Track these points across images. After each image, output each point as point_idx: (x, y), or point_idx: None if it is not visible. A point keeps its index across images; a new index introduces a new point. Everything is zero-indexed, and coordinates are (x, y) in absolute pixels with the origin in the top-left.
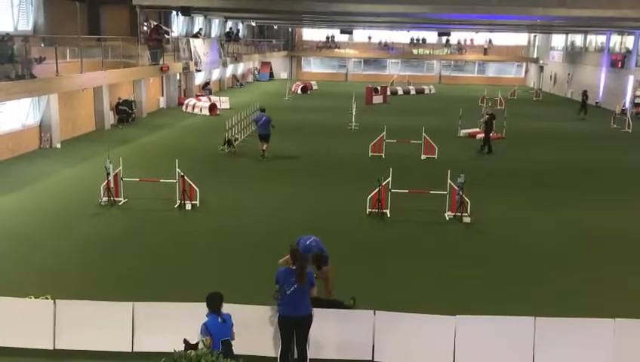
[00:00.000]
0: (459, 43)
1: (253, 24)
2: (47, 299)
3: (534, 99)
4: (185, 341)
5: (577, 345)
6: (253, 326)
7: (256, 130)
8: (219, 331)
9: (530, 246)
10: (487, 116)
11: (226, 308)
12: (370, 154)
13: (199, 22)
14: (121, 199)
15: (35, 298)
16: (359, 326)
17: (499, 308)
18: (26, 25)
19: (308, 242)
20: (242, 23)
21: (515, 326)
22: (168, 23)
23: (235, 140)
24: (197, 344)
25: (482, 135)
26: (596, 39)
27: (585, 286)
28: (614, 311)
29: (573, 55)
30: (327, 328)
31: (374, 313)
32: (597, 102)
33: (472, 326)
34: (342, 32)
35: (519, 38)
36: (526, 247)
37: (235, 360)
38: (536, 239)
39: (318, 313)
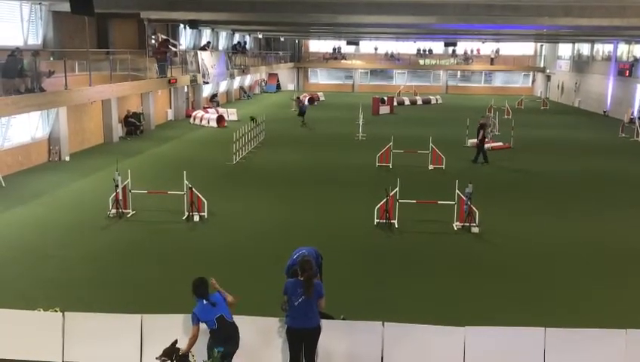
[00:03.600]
0: (465, 53)
1: (260, 36)
2: (56, 311)
3: (542, 108)
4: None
5: (588, 357)
6: (262, 337)
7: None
8: (208, 313)
9: (540, 257)
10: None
11: (235, 319)
12: (377, 164)
13: (207, 34)
14: (130, 211)
15: (44, 310)
16: (368, 338)
17: (508, 318)
18: (35, 39)
19: (300, 252)
20: (249, 35)
21: (525, 337)
22: (176, 36)
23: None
24: (174, 343)
25: (490, 144)
26: (603, 48)
27: (596, 297)
28: (626, 322)
29: (581, 64)
30: (336, 339)
31: (383, 324)
32: (605, 112)
33: (481, 337)
34: (348, 43)
35: (526, 48)
36: (535, 257)
37: (236, 332)
38: (545, 249)
39: (326, 324)
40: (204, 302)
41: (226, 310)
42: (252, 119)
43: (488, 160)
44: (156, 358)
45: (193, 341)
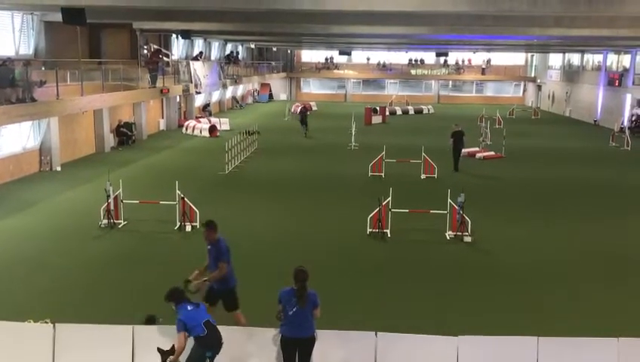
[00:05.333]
0: (457, 63)
1: (253, 46)
2: (47, 322)
3: (533, 117)
4: (158, 349)
5: None
6: (256, 347)
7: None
8: (194, 317)
9: (533, 265)
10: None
11: (227, 330)
12: (370, 173)
13: (199, 44)
14: (121, 221)
15: (35, 322)
16: (361, 348)
17: (501, 327)
18: (27, 49)
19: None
20: (242, 45)
21: (519, 346)
22: (168, 46)
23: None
24: (172, 347)
25: (482, 154)
26: (593, 58)
27: (587, 305)
28: (618, 331)
29: (571, 74)
30: (330, 349)
31: (376, 334)
32: (595, 121)
33: (474, 346)
34: (340, 53)
35: (517, 58)
36: (528, 266)
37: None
38: (538, 257)
39: (321, 334)
40: (189, 307)
41: (206, 312)
42: (256, 133)
43: (456, 168)
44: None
45: (181, 351)
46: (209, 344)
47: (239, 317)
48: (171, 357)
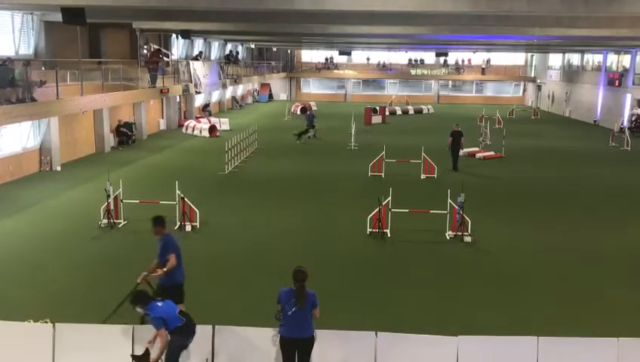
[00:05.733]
0: (457, 63)
1: (253, 46)
2: (47, 322)
3: (533, 118)
4: (133, 357)
5: None
6: (255, 347)
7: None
8: (169, 311)
9: (533, 265)
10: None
11: (226, 330)
12: (369, 173)
13: (199, 44)
14: (121, 221)
15: (35, 321)
16: (361, 348)
17: (501, 327)
18: (27, 49)
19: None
20: (242, 45)
21: (518, 346)
22: (168, 46)
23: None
24: (146, 351)
25: (482, 153)
26: (593, 58)
27: (587, 305)
28: (618, 331)
29: (571, 74)
30: (329, 350)
31: (376, 334)
32: (595, 121)
33: (474, 346)
34: (340, 53)
35: (517, 58)
36: (528, 266)
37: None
38: (538, 257)
39: (320, 334)
40: (159, 303)
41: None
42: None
43: (455, 167)
44: None
45: (165, 347)
46: (189, 331)
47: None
48: (153, 356)
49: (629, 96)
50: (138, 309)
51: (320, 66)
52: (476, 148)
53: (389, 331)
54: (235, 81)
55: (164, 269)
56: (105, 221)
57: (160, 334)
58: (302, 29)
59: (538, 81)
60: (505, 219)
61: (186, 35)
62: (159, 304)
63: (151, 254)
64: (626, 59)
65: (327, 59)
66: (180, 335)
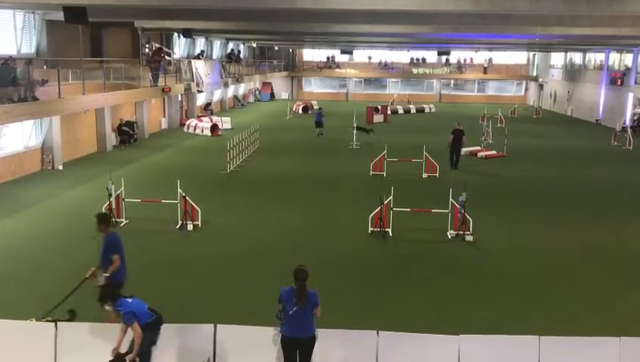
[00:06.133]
0: (458, 62)
1: (254, 45)
2: (49, 321)
3: (534, 117)
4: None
5: None
6: (256, 346)
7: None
8: (139, 306)
9: (534, 265)
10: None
11: (228, 329)
12: (371, 172)
13: (201, 43)
14: (123, 220)
15: (37, 321)
16: (363, 347)
17: (503, 327)
18: (29, 48)
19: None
20: (243, 44)
21: (520, 345)
22: (170, 45)
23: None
24: (117, 357)
25: (484, 153)
26: (595, 57)
27: (589, 305)
28: (619, 330)
29: (573, 73)
30: (331, 349)
31: (378, 333)
32: (597, 120)
33: (476, 345)
34: (342, 52)
35: (518, 57)
36: (530, 265)
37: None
38: (540, 256)
39: (321, 333)
40: (129, 299)
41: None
42: (366, 130)
43: (456, 166)
44: None
45: (141, 339)
46: (157, 326)
47: None
48: (130, 355)
49: (631, 96)
50: (107, 307)
51: (322, 65)
52: (478, 148)
53: (390, 330)
54: (237, 80)
55: (107, 275)
56: None
57: (134, 328)
58: (303, 27)
59: (540, 80)
60: (506, 218)
61: (187, 33)
62: (129, 300)
63: (152, 253)
64: (628, 58)
65: (328, 58)
66: (151, 332)
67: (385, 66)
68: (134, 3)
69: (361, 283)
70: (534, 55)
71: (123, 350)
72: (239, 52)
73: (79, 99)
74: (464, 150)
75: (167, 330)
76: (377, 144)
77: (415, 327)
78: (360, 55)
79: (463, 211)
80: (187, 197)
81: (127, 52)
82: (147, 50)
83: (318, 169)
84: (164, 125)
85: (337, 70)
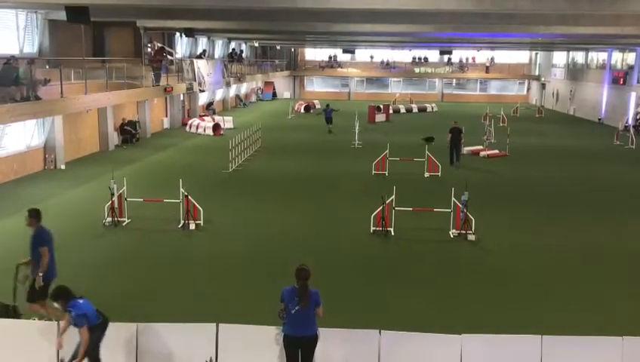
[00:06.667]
0: (460, 61)
1: (256, 44)
2: (51, 320)
3: (537, 116)
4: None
5: None
6: (258, 346)
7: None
8: (89, 308)
9: (536, 264)
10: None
11: (230, 328)
12: (373, 172)
13: (202, 43)
14: (125, 219)
15: (40, 319)
16: (365, 347)
17: (505, 326)
18: (31, 47)
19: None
20: (245, 43)
21: (522, 344)
22: (172, 45)
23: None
24: (74, 355)
25: (486, 152)
26: (598, 56)
27: (591, 304)
28: (620, 330)
29: (575, 72)
30: (333, 348)
31: (380, 332)
32: (600, 119)
33: (478, 345)
34: (344, 51)
35: (521, 56)
36: (531, 265)
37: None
38: (542, 256)
39: (324, 333)
40: (80, 301)
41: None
42: (428, 140)
43: (457, 160)
44: None
45: (88, 344)
46: (103, 328)
47: (44, 307)
48: (78, 358)
49: (633, 95)
50: (57, 305)
51: (324, 65)
52: (480, 147)
53: (392, 329)
54: (239, 79)
55: (41, 274)
56: (109, 219)
57: (83, 332)
58: (305, 27)
59: (542, 79)
60: (509, 218)
61: (189, 33)
62: (80, 301)
63: (154, 253)
64: (630, 57)
65: (330, 57)
66: (100, 332)
67: (387, 66)
68: (136, 2)
69: (363, 283)
70: (536, 54)
71: (67, 346)
72: (241, 51)
73: (81, 98)
74: (466, 149)
75: (169, 329)
76: (379, 143)
77: (417, 327)
78: (362, 54)
79: (465, 210)
80: (189, 197)
81: (130, 51)
82: (149, 49)
83: (321, 168)
84: (166, 125)
85: (339, 69)
